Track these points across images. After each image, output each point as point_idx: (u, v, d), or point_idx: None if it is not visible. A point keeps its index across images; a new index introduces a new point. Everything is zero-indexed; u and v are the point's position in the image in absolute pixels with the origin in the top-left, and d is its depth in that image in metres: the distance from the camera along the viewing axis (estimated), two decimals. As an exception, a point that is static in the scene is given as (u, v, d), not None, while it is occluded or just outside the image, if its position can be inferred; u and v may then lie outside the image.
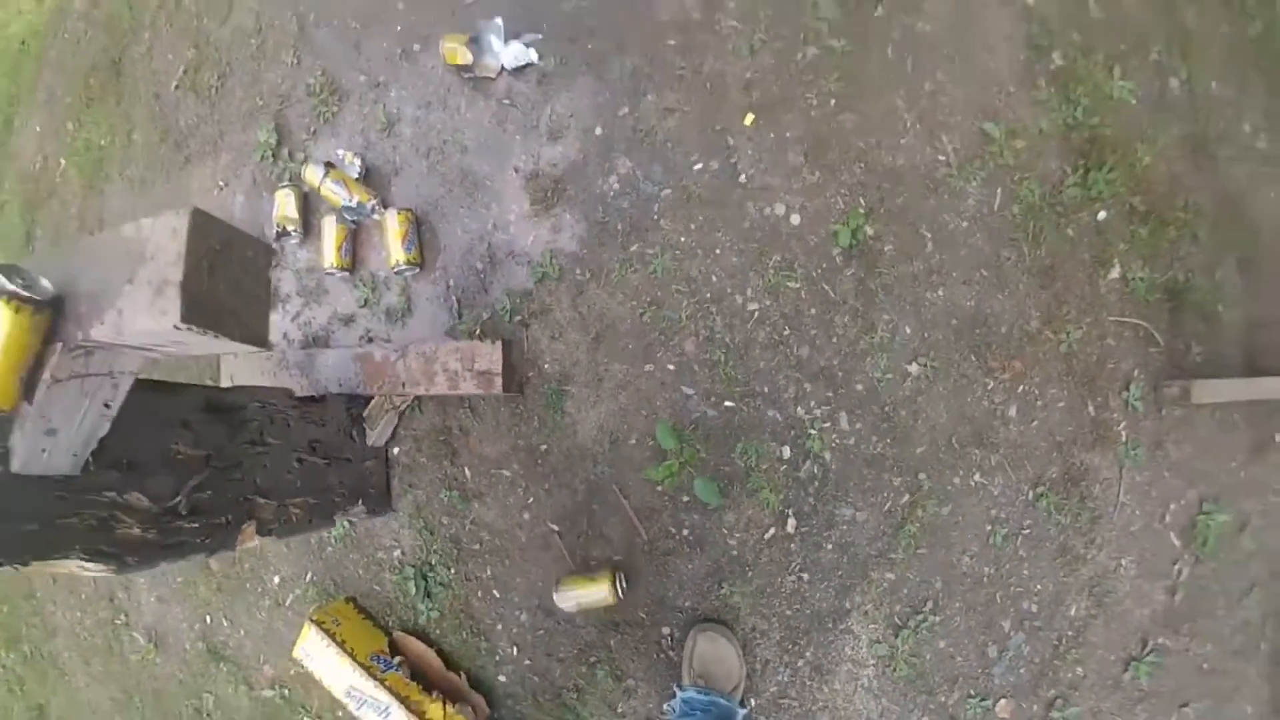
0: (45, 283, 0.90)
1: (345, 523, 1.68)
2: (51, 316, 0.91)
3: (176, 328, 0.84)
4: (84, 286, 0.92)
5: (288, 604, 1.83)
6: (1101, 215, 1.47)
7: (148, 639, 2.11)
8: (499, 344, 1.48)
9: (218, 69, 1.98)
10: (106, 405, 1.02)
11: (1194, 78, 1.54)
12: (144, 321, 0.86)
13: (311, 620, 1.64)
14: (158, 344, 0.95)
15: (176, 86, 2.06)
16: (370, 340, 1.66)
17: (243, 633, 1.91)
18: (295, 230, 1.71)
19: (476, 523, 1.61)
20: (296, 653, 1.65)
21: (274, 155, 1.82)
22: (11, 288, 0.85)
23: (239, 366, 1.67)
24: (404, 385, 1.51)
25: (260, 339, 0.98)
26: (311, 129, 1.80)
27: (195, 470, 1.22)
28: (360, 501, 1.58)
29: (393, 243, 1.60)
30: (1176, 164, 1.51)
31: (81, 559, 1.07)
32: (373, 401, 1.56)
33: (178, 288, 0.83)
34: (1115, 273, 1.46)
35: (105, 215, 2.16)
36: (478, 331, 1.57)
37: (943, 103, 1.48)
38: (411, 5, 1.77)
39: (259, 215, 1.84)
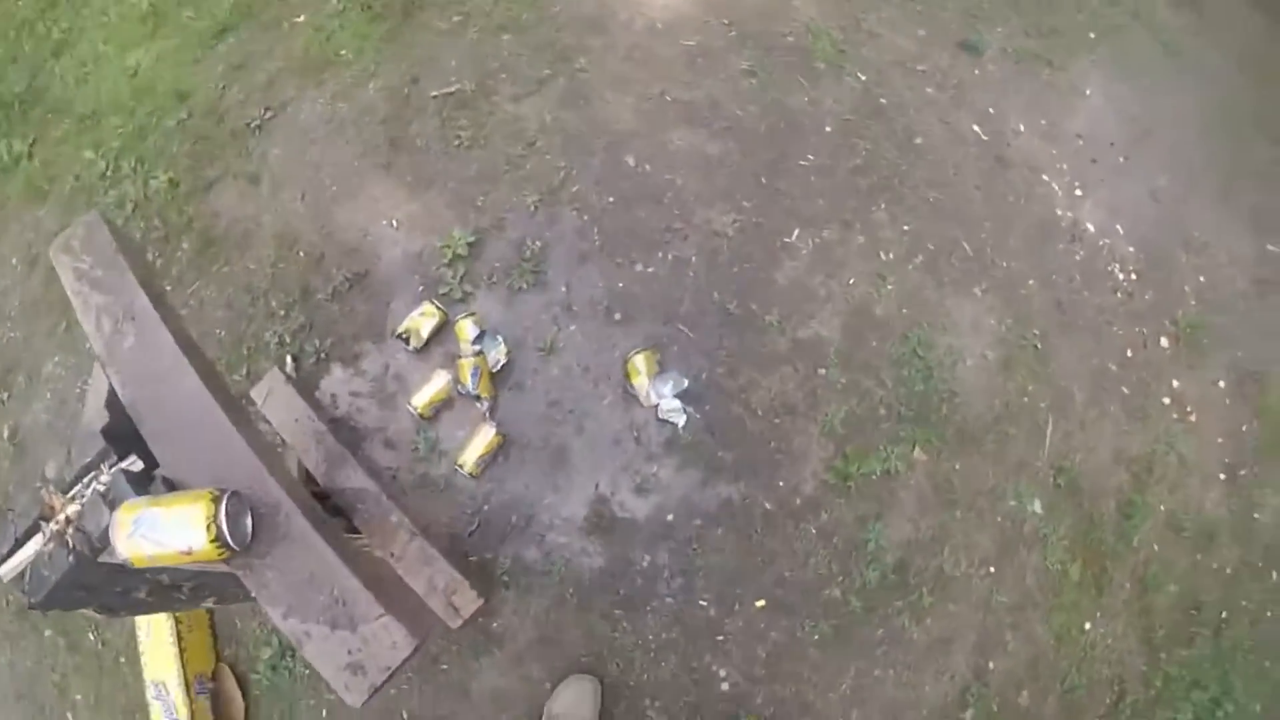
0: (244, 536, 1.01)
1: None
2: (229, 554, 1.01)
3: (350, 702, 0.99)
4: (279, 567, 1.03)
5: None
6: None
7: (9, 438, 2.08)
8: (481, 601, 1.65)
9: (477, 129, 2.04)
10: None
11: None
12: (323, 664, 0.99)
13: (172, 613, 1.73)
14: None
15: (435, 97, 2.08)
16: (395, 478, 1.78)
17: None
18: (413, 345, 1.80)
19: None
20: (140, 623, 1.76)
21: (451, 260, 1.89)
22: (227, 536, 0.96)
23: (275, 403, 1.73)
24: (391, 555, 1.64)
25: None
26: (495, 279, 1.90)
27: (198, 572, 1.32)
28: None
29: (472, 448, 1.74)
30: None
31: (95, 610, 1.21)
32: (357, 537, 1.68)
33: (370, 689, 0.98)
34: None
35: (304, 121, 2.12)
36: (472, 560, 1.74)
37: (877, 697, 1.82)
38: (653, 283, 1.93)
39: (397, 278, 1.92)
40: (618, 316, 1.90)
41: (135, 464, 1.11)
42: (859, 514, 1.91)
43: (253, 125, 2.12)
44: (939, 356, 2.09)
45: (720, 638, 1.78)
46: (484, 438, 1.74)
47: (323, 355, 1.85)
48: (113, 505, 1.01)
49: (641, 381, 1.81)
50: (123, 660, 1.89)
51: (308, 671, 1.79)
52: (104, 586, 1.12)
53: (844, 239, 2.18)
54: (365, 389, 1.83)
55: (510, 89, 2.13)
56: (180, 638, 1.74)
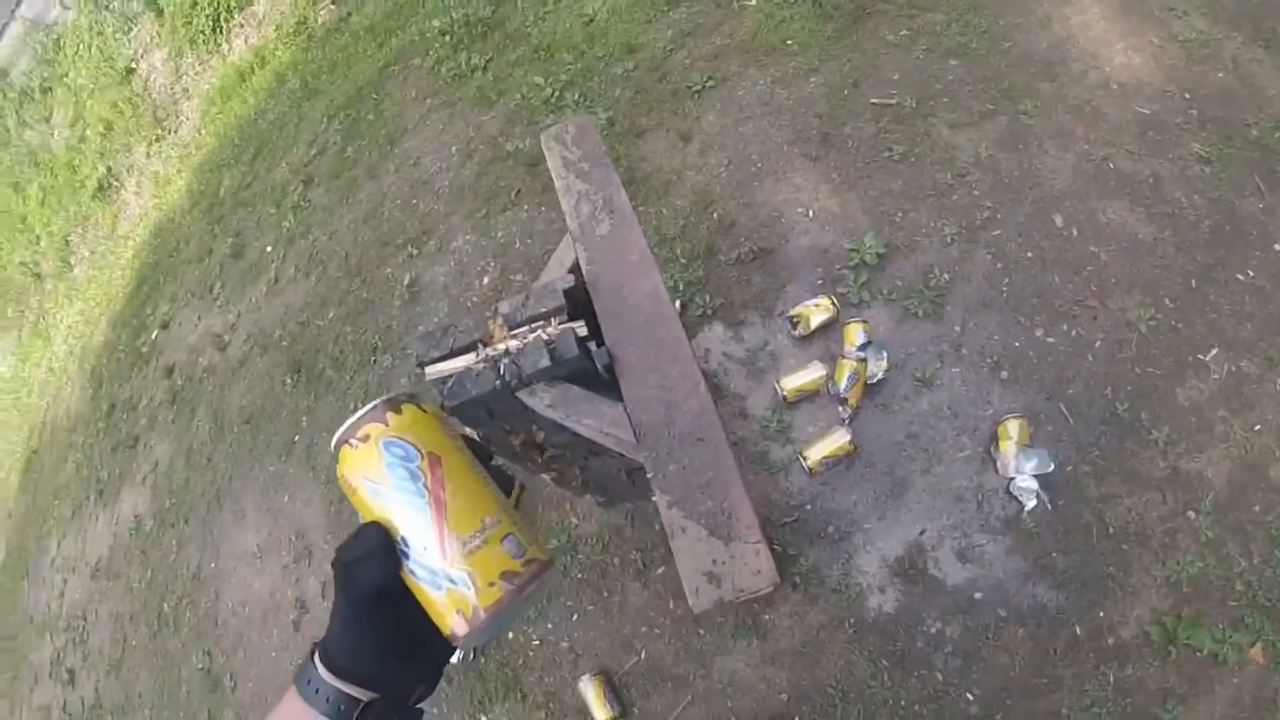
0: None
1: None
2: None
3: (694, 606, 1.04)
4: (683, 463, 1.11)
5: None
6: None
7: (408, 285, 2.47)
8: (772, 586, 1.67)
9: (910, 146, 2.03)
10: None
11: None
12: (685, 561, 1.07)
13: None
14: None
15: (874, 104, 2.10)
16: (736, 445, 1.84)
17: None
18: (799, 331, 1.85)
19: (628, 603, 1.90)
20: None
21: (856, 265, 1.92)
22: None
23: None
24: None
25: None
26: (894, 295, 1.88)
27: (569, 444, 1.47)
28: (603, 494, 1.83)
29: (821, 445, 1.76)
30: None
31: (478, 436, 1.38)
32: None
33: (716, 600, 1.03)
34: None
35: (742, 96, 2.25)
36: (775, 548, 1.77)
37: None
38: (1049, 354, 1.81)
39: (799, 265, 1.97)
40: (1004, 375, 1.80)
41: (581, 328, 1.21)
42: (1165, 685, 1.66)
43: (693, 89, 2.29)
44: (1324, 554, 1.74)
45: (974, 738, 1.65)
46: (836, 440, 1.75)
47: (709, 311, 1.96)
48: (554, 355, 1.13)
49: (1009, 448, 1.71)
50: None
51: (581, 576, 1.94)
52: (503, 418, 1.26)
53: (1263, 377, 1.88)
54: (739, 355, 1.92)
55: (950, 115, 2.09)
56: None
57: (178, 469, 2.83)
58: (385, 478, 0.48)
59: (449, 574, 0.47)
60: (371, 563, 0.48)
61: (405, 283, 2.42)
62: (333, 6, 3.37)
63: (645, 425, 1.16)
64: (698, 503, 1.11)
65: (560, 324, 1.26)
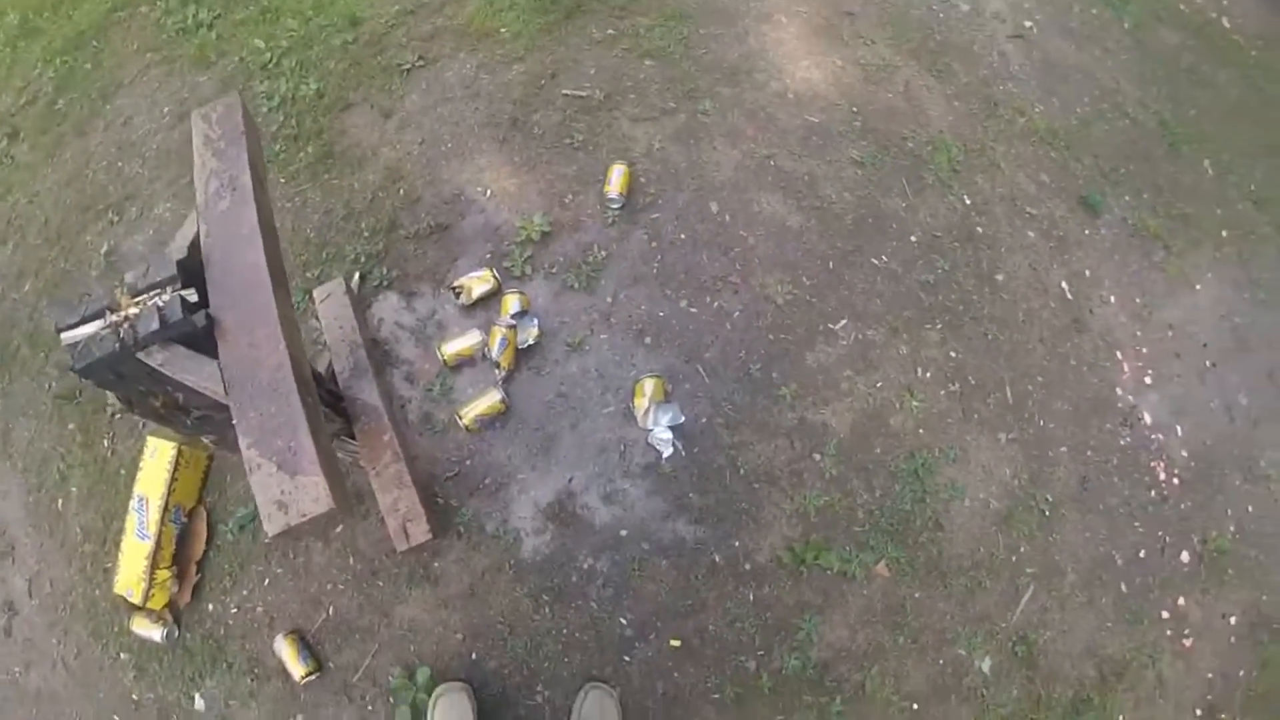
0: None
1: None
2: None
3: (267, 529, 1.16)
4: (261, 410, 1.23)
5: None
6: None
7: (105, 254, 2.37)
8: (430, 536, 1.81)
9: (590, 135, 2.21)
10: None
11: None
12: (260, 492, 1.18)
13: (180, 445, 1.96)
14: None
15: (565, 95, 2.26)
16: (403, 407, 1.96)
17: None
18: (462, 301, 1.99)
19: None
20: (150, 443, 1.97)
21: (523, 241, 2.08)
22: None
23: (330, 306, 1.94)
24: (373, 469, 1.83)
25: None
26: (554, 270, 2.07)
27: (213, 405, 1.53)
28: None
29: (474, 405, 1.91)
30: None
31: (117, 398, 1.44)
32: (350, 443, 1.87)
33: (284, 526, 1.15)
34: None
35: (448, 79, 2.34)
36: (438, 501, 1.90)
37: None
38: (690, 322, 2.06)
39: (471, 240, 2.12)
40: (647, 340, 2.03)
41: (192, 295, 1.33)
42: (801, 600, 1.95)
43: (404, 68, 2.36)
44: (938, 485, 2.11)
45: (627, 659, 1.87)
46: (488, 400, 1.90)
47: (385, 283, 2.05)
48: (163, 319, 1.25)
49: (642, 404, 1.94)
50: (123, 473, 2.10)
51: (268, 540, 1.98)
52: (132, 379, 1.36)
53: (887, 344, 2.23)
54: (409, 324, 2.02)
55: (633, 109, 2.30)
56: (177, 468, 1.95)
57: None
58: None
59: None
60: None
61: (103, 251, 2.32)
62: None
63: (233, 379, 1.29)
64: (270, 443, 1.24)
65: (174, 291, 1.36)
